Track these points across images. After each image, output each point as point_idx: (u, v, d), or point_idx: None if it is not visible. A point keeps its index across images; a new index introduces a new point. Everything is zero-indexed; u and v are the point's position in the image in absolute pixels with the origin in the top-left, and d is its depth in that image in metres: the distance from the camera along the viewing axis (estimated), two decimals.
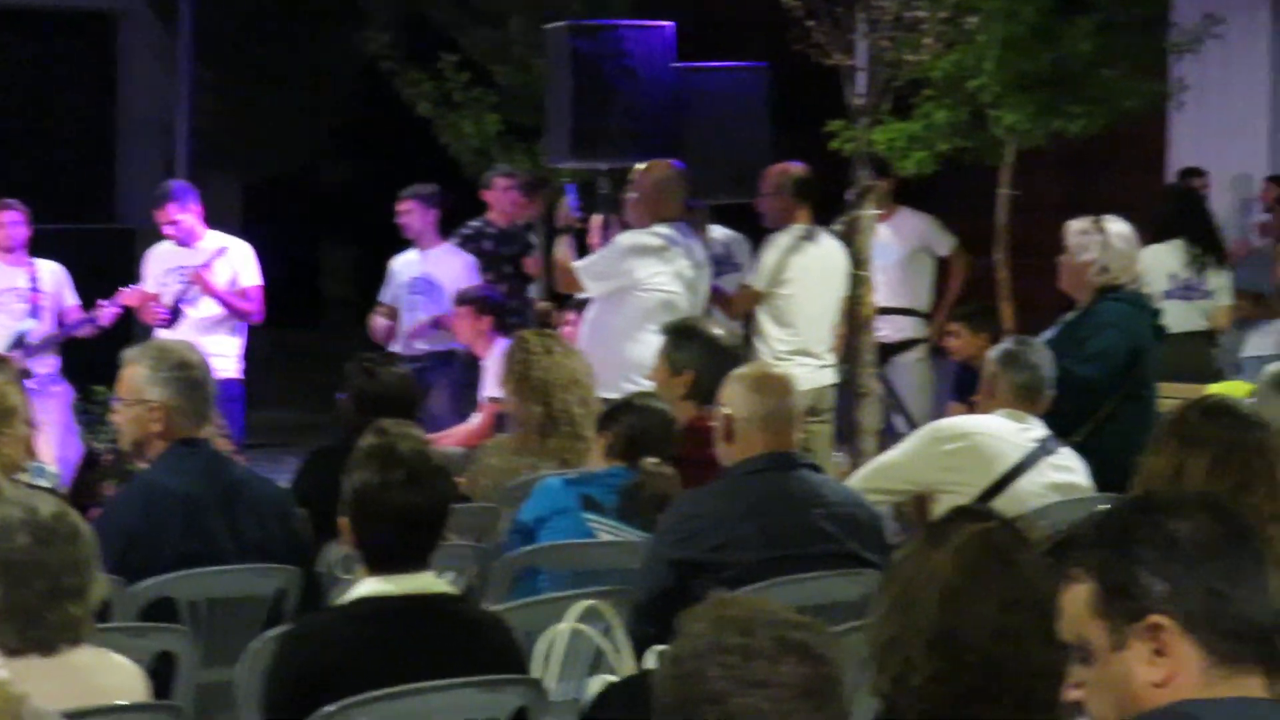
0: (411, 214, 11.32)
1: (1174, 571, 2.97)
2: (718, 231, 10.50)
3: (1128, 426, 7.61)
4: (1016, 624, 3.38)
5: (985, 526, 3.59)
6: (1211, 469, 4.95)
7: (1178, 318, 10.26)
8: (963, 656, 3.38)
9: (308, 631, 4.82)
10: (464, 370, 10.79)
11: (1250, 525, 3.11)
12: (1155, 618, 2.95)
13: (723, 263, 10.34)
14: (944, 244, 11.10)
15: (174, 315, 10.67)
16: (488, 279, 11.09)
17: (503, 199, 11.52)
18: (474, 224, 11.59)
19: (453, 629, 4.93)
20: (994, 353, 7.25)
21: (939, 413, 9.30)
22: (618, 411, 6.95)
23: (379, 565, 4.76)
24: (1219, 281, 10.68)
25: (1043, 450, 7.03)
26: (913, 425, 9.18)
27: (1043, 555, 3.63)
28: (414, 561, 4.78)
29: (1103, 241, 8.02)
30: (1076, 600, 3.06)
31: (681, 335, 7.39)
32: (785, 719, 2.77)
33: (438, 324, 10.87)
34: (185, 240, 10.48)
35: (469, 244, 11.39)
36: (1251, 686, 2.91)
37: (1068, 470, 7.05)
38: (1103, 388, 8.01)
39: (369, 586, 4.78)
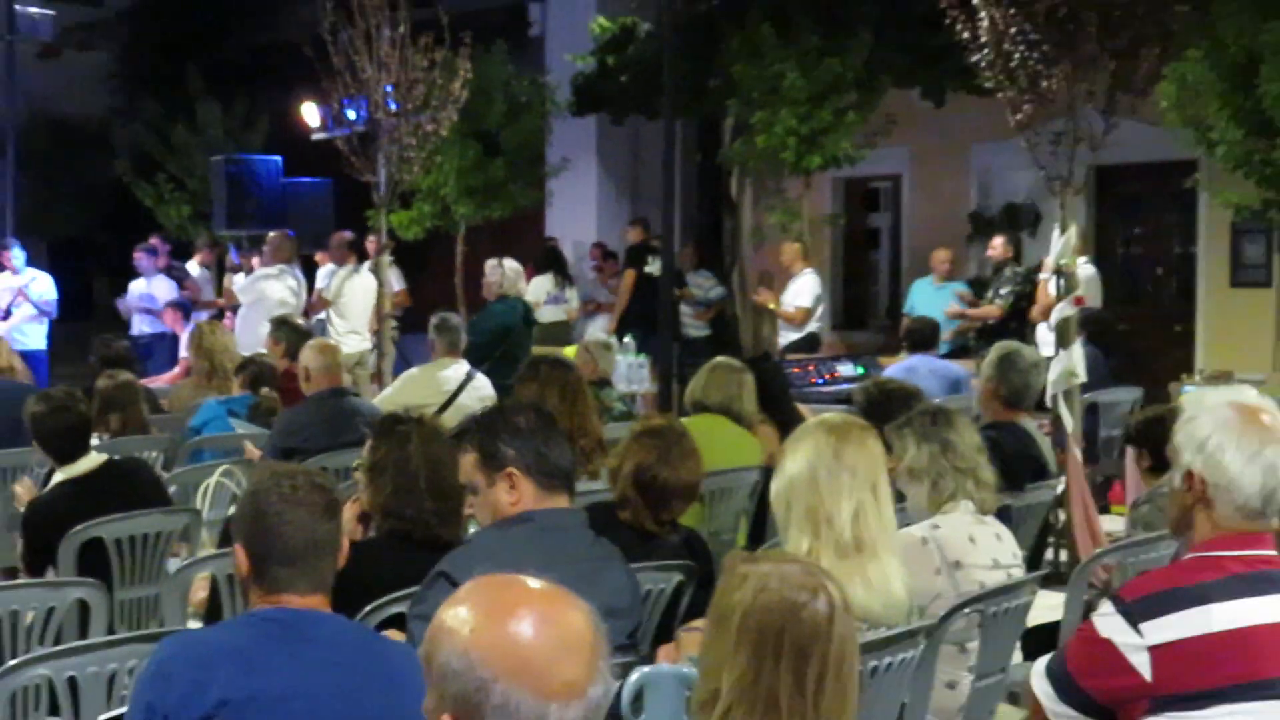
0: (140, 259, 15.01)
1: (518, 443, 3.92)
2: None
3: (503, 370, 9.36)
4: (443, 471, 4.51)
5: (418, 426, 4.64)
6: (559, 395, 6.43)
7: (550, 314, 14.93)
8: (438, 490, 4.48)
9: (50, 499, 5.84)
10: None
11: (552, 414, 4.22)
12: (509, 469, 3.87)
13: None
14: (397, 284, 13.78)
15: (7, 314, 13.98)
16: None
17: (205, 254, 15.54)
18: (175, 264, 15.32)
19: (133, 479, 5.96)
20: (431, 327, 9.08)
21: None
22: (247, 363, 8.70)
23: (62, 460, 5.86)
24: (571, 295, 15.29)
25: (468, 379, 8.95)
26: None
27: (450, 438, 4.65)
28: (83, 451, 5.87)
29: (502, 272, 11.42)
30: (467, 461, 3.98)
31: (282, 324, 9.26)
32: (312, 528, 3.23)
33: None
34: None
35: (173, 272, 15.06)
36: (561, 501, 3.94)
37: (484, 388, 8.93)
38: (488, 348, 10.55)
39: (62, 474, 5.86)
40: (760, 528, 6.44)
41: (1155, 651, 3.12)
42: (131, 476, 6.03)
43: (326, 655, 3.16)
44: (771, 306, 14.62)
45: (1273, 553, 3.30)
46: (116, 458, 6.08)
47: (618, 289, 15.83)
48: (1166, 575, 3.28)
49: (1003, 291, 13.06)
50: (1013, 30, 8.45)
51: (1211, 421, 3.20)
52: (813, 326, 14.24)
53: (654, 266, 14.72)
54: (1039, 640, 5.25)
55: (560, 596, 2.16)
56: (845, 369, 11.88)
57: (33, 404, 5.88)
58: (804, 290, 14.28)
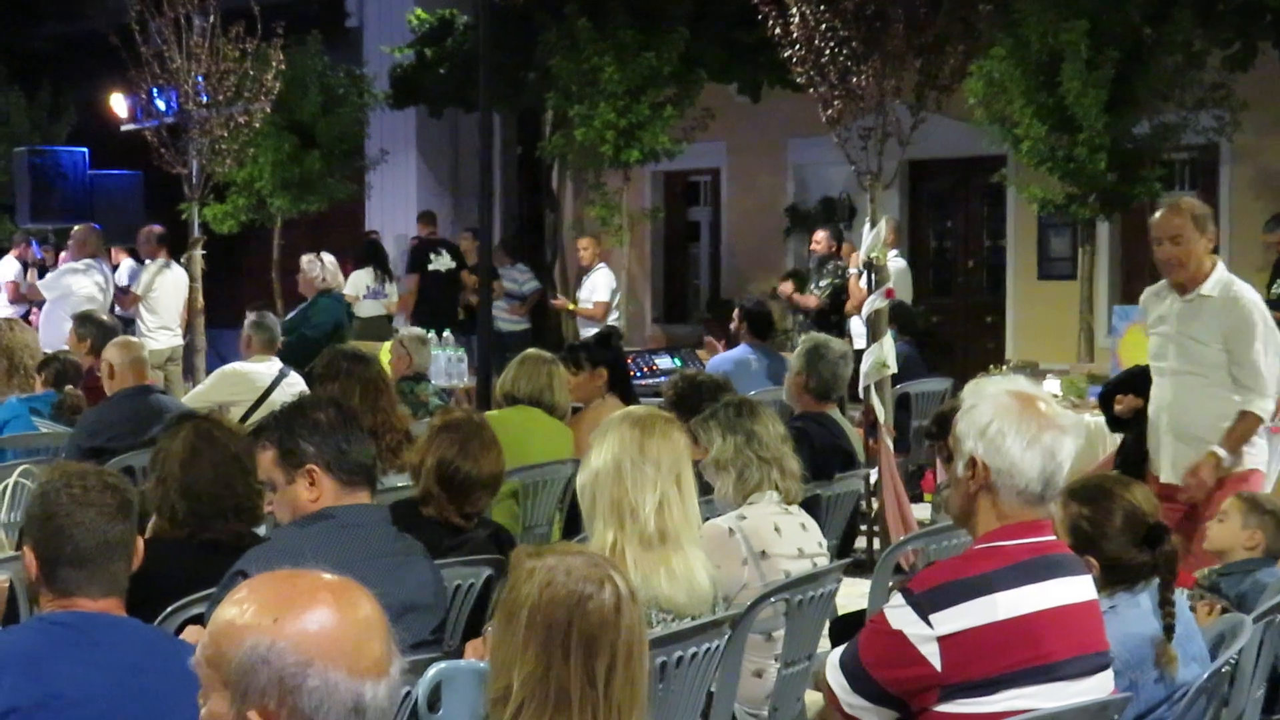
0: None
1: (317, 439, 3.91)
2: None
3: None
4: (224, 473, 4.40)
5: (199, 422, 4.56)
6: (361, 391, 6.42)
7: (370, 308, 14.60)
8: (200, 497, 4.36)
9: None
10: None
11: (352, 410, 4.17)
12: (309, 465, 3.88)
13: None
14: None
15: None
16: None
17: (20, 249, 14.79)
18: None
19: None
20: (246, 324, 8.99)
21: None
22: (50, 360, 8.57)
23: None
24: (391, 290, 15.11)
25: (281, 376, 8.82)
26: None
27: (248, 434, 4.52)
28: None
29: (322, 266, 11.47)
30: (265, 459, 3.97)
31: (86, 319, 9.16)
32: (103, 530, 3.22)
33: None
34: None
35: None
36: (362, 497, 3.96)
37: (297, 384, 8.46)
38: (319, 342, 10.04)
39: None
40: (575, 521, 6.34)
41: (944, 642, 3.17)
42: None
43: (120, 658, 3.11)
44: (571, 308, 14.86)
45: (1052, 537, 3.38)
46: None
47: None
48: (954, 566, 3.34)
49: (821, 284, 13.24)
50: (822, 27, 8.63)
51: (991, 409, 3.28)
52: (612, 319, 14.44)
53: (439, 262, 14.93)
54: (848, 628, 5.33)
55: (348, 582, 2.22)
56: (664, 362, 11.96)
57: None
58: (600, 284, 14.56)
